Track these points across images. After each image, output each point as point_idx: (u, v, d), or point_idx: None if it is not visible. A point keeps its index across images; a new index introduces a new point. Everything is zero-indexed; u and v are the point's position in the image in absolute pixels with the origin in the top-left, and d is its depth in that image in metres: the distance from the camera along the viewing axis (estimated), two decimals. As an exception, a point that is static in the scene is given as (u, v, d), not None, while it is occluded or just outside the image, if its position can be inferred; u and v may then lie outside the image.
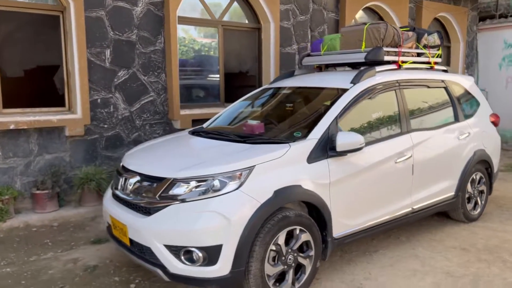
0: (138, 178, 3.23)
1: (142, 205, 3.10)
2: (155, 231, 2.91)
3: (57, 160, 5.21)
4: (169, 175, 3.03)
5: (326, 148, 3.32)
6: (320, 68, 5.04)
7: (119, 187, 3.35)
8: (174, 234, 2.86)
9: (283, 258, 3.06)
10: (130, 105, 5.70)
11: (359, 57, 4.26)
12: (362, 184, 3.54)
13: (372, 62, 4.23)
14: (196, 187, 2.92)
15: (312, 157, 3.25)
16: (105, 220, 3.61)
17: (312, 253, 3.22)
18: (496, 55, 10.61)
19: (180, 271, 2.87)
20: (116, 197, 3.45)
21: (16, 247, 4.22)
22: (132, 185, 3.22)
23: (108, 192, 3.65)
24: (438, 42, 4.84)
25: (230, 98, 6.74)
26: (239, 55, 6.98)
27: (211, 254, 2.79)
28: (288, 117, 3.97)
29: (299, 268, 3.20)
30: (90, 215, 5.08)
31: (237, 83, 6.98)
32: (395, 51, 4.32)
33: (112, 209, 3.37)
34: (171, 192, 2.96)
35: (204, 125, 4.48)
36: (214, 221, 2.81)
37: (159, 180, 3.06)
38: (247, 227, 2.84)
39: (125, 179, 3.31)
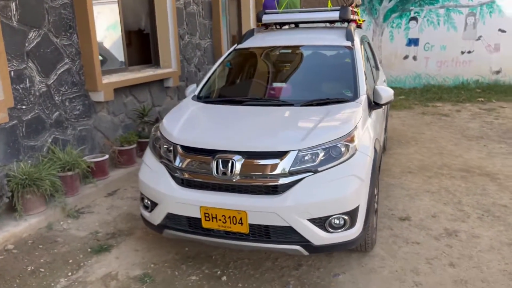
0: (239, 157, 2.83)
1: (265, 185, 2.78)
2: (296, 208, 2.72)
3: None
4: (292, 147, 2.81)
5: (371, 102, 3.65)
6: (266, 27, 5.09)
7: (215, 172, 2.85)
8: (319, 206, 2.75)
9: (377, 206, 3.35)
10: (47, 76, 4.38)
11: (334, 16, 4.57)
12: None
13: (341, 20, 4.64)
14: (324, 155, 2.84)
15: (368, 111, 3.54)
16: (161, 215, 3.03)
17: None
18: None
19: (325, 241, 2.81)
20: (193, 184, 2.93)
21: (0, 289, 3.00)
22: (240, 167, 2.81)
23: (166, 182, 3.02)
24: (360, 2, 5.58)
25: (133, 60, 5.95)
26: (135, 10, 6.10)
27: (353, 217, 2.85)
28: (310, 77, 4.01)
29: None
30: (43, 224, 3.90)
31: (136, 43, 6.13)
32: (354, 11, 4.83)
33: (206, 198, 2.85)
34: (299, 166, 2.78)
35: (196, 93, 4.01)
36: (354, 185, 2.83)
37: (279, 155, 2.80)
38: (371, 184, 2.99)
39: (222, 162, 2.84)
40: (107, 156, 4.89)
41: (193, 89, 4.15)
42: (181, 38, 6.81)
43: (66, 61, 4.62)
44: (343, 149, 2.89)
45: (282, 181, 2.77)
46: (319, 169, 2.80)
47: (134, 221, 4.07)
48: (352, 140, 2.96)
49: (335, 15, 4.57)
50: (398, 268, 3.15)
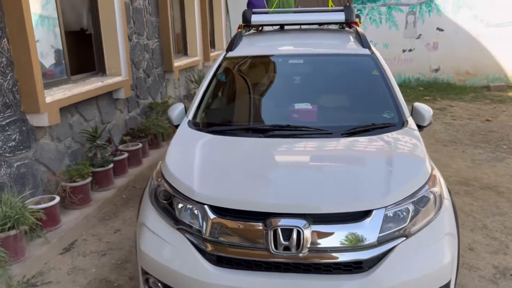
0: (305, 222, 2.02)
1: (345, 261, 2.01)
2: None
3: None
4: (376, 204, 2.07)
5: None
6: (257, 28, 4.28)
7: (273, 246, 2.00)
8: (417, 284, 2.05)
9: None
10: (-31, 99, 3.13)
11: (339, 18, 3.89)
12: None
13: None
14: (413, 211, 2.14)
15: None
16: None
17: None
18: (244, 8, 11.55)
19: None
20: (234, 262, 2.07)
21: None
22: (309, 236, 2.00)
23: (193, 261, 2.11)
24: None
25: (75, 68, 4.75)
26: (75, 5, 4.86)
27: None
28: (336, 95, 3.27)
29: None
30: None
31: (78, 46, 4.90)
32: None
33: (258, 283, 2.01)
34: (389, 230, 2.05)
35: (190, 117, 3.08)
36: (451, 247, 2.19)
37: (359, 216, 2.05)
38: (458, 237, 2.37)
39: (282, 231, 2.00)
40: (57, 199, 3.72)
41: (180, 112, 3.22)
42: (128, 39, 5.66)
43: (-6, 75, 3.37)
44: (431, 197, 2.22)
45: (368, 253, 2.02)
46: (412, 231, 2.10)
47: (115, 292, 3.05)
48: (434, 183, 2.31)
49: (340, 17, 3.88)
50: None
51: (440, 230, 2.18)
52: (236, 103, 3.30)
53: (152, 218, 2.35)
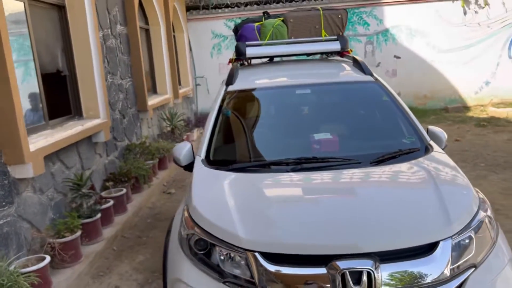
0: (371, 262, 1.84)
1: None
2: None
3: None
4: (441, 235, 1.94)
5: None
6: (247, 61, 4.19)
7: None
8: None
9: None
10: None
11: (334, 47, 3.87)
12: None
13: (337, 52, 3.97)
14: (476, 238, 2.04)
15: None
16: None
17: None
18: (207, 45, 11.57)
19: None
20: None
21: None
22: (380, 278, 1.82)
23: None
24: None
25: (52, 113, 4.40)
26: (49, 45, 4.55)
27: None
28: (353, 123, 3.17)
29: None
30: None
31: (53, 88, 4.56)
32: (346, 40, 4.21)
33: None
34: (460, 261, 1.93)
35: (203, 156, 2.87)
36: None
37: (426, 250, 1.91)
38: None
39: (350, 275, 1.81)
40: (48, 259, 3.30)
41: (188, 151, 3.00)
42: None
43: (-28, 124, 3.00)
44: (487, 222, 2.13)
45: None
46: (478, 259, 1.99)
47: None
48: (485, 207, 2.23)
49: (335, 46, 3.87)
50: None
51: (503, 255, 2.09)
52: (250, 138, 3.12)
53: (191, 273, 2.08)
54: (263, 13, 4.62)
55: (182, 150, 3.00)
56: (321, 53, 4.14)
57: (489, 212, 2.21)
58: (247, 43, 3.92)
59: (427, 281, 1.86)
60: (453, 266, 1.90)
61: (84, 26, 4.80)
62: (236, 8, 11.38)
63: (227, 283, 1.97)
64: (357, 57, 3.72)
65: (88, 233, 4.01)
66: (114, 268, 3.87)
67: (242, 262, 1.97)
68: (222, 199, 2.30)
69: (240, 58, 3.95)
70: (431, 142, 2.88)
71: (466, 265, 1.94)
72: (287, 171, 2.56)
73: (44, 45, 4.40)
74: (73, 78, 4.88)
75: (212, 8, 11.38)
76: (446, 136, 3.03)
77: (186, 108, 10.42)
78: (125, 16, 6.40)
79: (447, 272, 1.88)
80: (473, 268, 1.95)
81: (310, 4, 11.28)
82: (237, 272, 1.97)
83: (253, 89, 3.45)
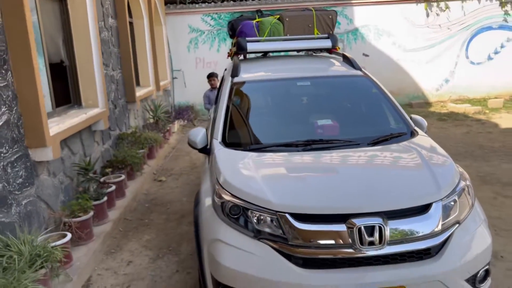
0: (380, 219, 2.29)
1: (417, 250, 2.31)
2: (460, 270, 2.35)
3: None
4: (434, 197, 2.42)
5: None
6: (244, 55, 4.56)
7: (359, 242, 2.23)
8: (475, 262, 2.42)
9: None
10: (-15, 134, 2.95)
11: (326, 44, 4.32)
12: None
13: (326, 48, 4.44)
14: (457, 200, 2.53)
15: None
16: None
17: None
18: (184, 39, 11.77)
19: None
20: (320, 263, 2.27)
21: None
22: (388, 231, 2.27)
23: (284, 267, 2.26)
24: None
25: (58, 101, 4.61)
26: (53, 36, 4.72)
27: (490, 264, 2.61)
28: (348, 111, 3.62)
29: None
30: None
31: (58, 78, 4.74)
32: (334, 38, 4.67)
33: (350, 279, 2.23)
34: (448, 219, 2.41)
35: (219, 139, 3.22)
36: (486, 228, 2.61)
37: (422, 210, 2.38)
38: None
39: (365, 229, 2.25)
40: (69, 236, 3.55)
41: (203, 136, 3.35)
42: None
43: (3, 109, 3.21)
44: (465, 189, 2.64)
45: (435, 240, 2.34)
46: (461, 218, 2.48)
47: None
48: (465, 178, 2.74)
49: (327, 43, 4.33)
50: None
51: (478, 217, 2.60)
52: (261, 123, 3.49)
53: (227, 233, 2.45)
54: (257, 11, 5.02)
55: (198, 134, 3.34)
56: (313, 50, 4.57)
57: (468, 182, 2.71)
58: (247, 38, 4.30)
59: (423, 234, 2.32)
60: (443, 222, 2.38)
61: (84, 17, 5.00)
62: (213, 3, 11.65)
63: (261, 240, 2.36)
64: (347, 54, 4.17)
65: (97, 214, 4.26)
66: (123, 246, 4.16)
67: (273, 222, 2.36)
68: (250, 173, 2.68)
69: (240, 52, 4.32)
70: (416, 128, 3.37)
71: (452, 222, 2.42)
72: (299, 151, 2.97)
73: (49, 36, 4.58)
74: (73, 68, 5.07)
75: (189, 3, 11.60)
76: (426, 123, 3.54)
77: (165, 101, 10.62)
78: (115, 9, 6.58)
79: (439, 227, 2.35)
80: (457, 224, 2.44)
81: (285, 1, 11.74)
82: (269, 230, 2.36)
83: (259, 81, 3.83)
